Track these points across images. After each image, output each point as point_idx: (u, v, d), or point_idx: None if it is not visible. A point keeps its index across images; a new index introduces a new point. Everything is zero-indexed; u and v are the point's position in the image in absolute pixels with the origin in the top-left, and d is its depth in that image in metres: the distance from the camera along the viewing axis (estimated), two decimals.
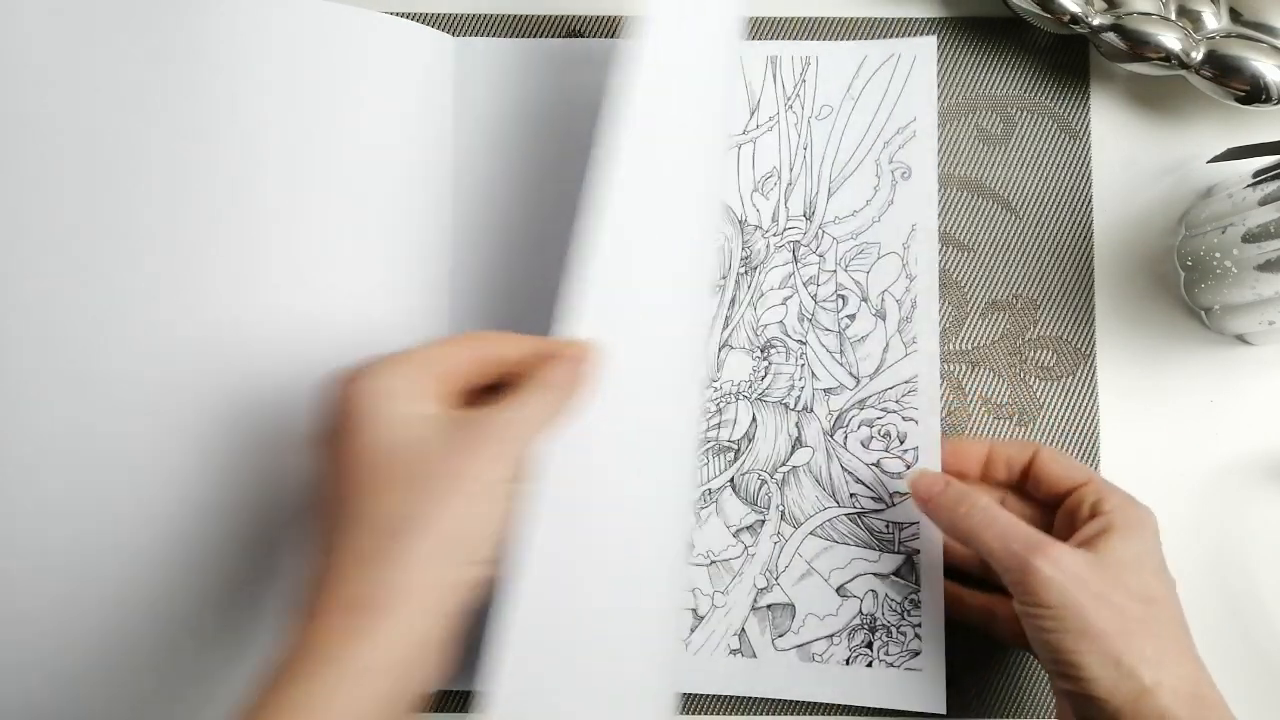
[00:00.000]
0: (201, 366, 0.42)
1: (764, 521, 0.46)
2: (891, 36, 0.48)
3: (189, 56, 0.43)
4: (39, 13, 0.42)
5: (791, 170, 0.47)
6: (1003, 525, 0.40)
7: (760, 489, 0.46)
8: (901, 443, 0.46)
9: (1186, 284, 0.46)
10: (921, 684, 0.45)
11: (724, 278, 0.47)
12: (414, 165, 0.46)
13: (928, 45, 0.47)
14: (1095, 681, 0.36)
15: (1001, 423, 0.47)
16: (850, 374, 0.46)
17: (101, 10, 0.43)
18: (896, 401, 0.46)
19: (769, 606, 0.46)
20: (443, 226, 0.47)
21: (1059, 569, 0.38)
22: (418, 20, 0.48)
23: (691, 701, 0.46)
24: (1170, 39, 0.44)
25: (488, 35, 0.48)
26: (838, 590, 0.46)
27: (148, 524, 0.42)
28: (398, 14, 0.48)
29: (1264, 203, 0.41)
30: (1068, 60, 0.48)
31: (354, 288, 0.44)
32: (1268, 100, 0.44)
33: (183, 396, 0.42)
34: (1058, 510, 0.43)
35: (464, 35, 0.48)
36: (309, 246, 0.44)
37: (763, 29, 0.48)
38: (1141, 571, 0.38)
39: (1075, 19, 0.45)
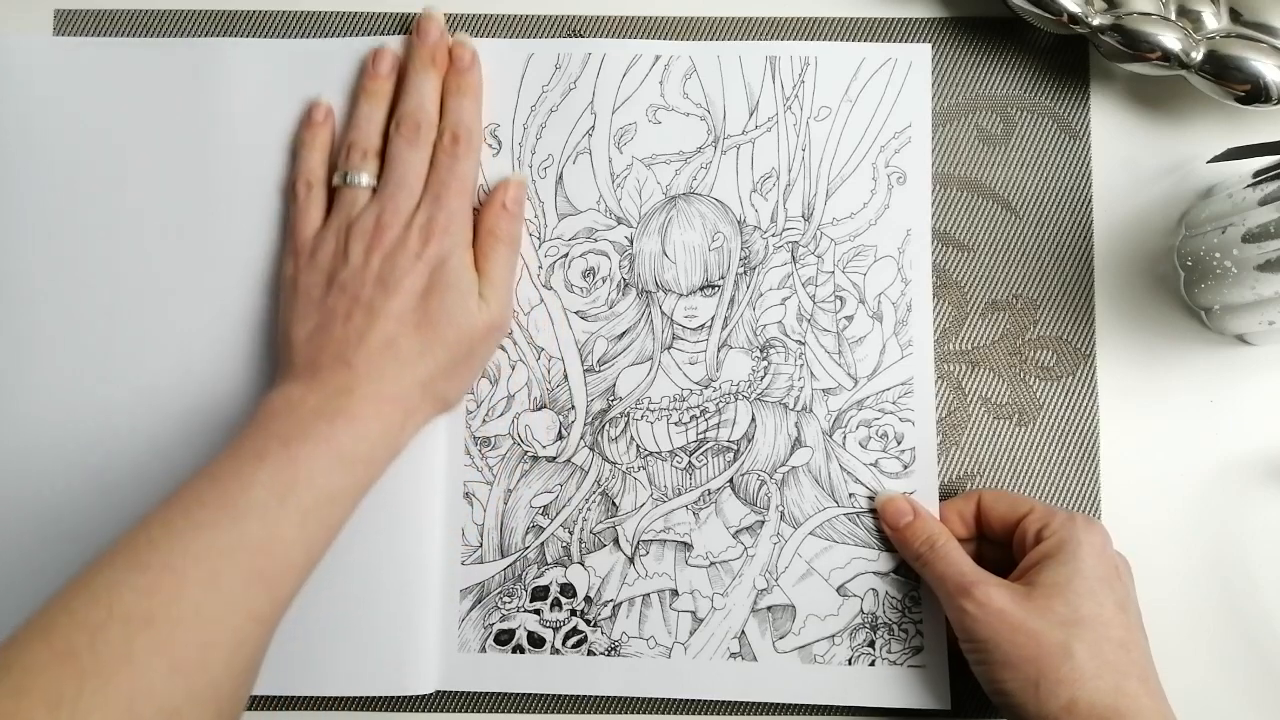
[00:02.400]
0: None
1: (764, 522, 0.46)
2: (891, 37, 0.48)
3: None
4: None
5: (790, 171, 0.47)
6: (944, 565, 0.42)
7: (760, 489, 0.46)
8: (899, 443, 0.46)
9: (1186, 284, 0.46)
10: (925, 681, 0.45)
11: (723, 278, 0.47)
12: None
13: (922, 52, 0.47)
14: (1022, 706, 0.39)
15: (1001, 423, 0.47)
16: (848, 374, 0.46)
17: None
18: (893, 403, 0.46)
19: (769, 608, 0.46)
20: None
21: (981, 606, 0.40)
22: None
23: (691, 706, 0.46)
24: (1170, 39, 0.44)
25: (488, 36, 0.48)
26: (838, 590, 0.46)
27: None
28: (400, 14, 0.48)
29: (1264, 203, 0.41)
30: (1068, 60, 0.48)
31: None
32: (1268, 100, 0.44)
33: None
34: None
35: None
36: None
37: (762, 29, 0.48)
38: (1070, 593, 0.40)
39: (1075, 19, 0.45)
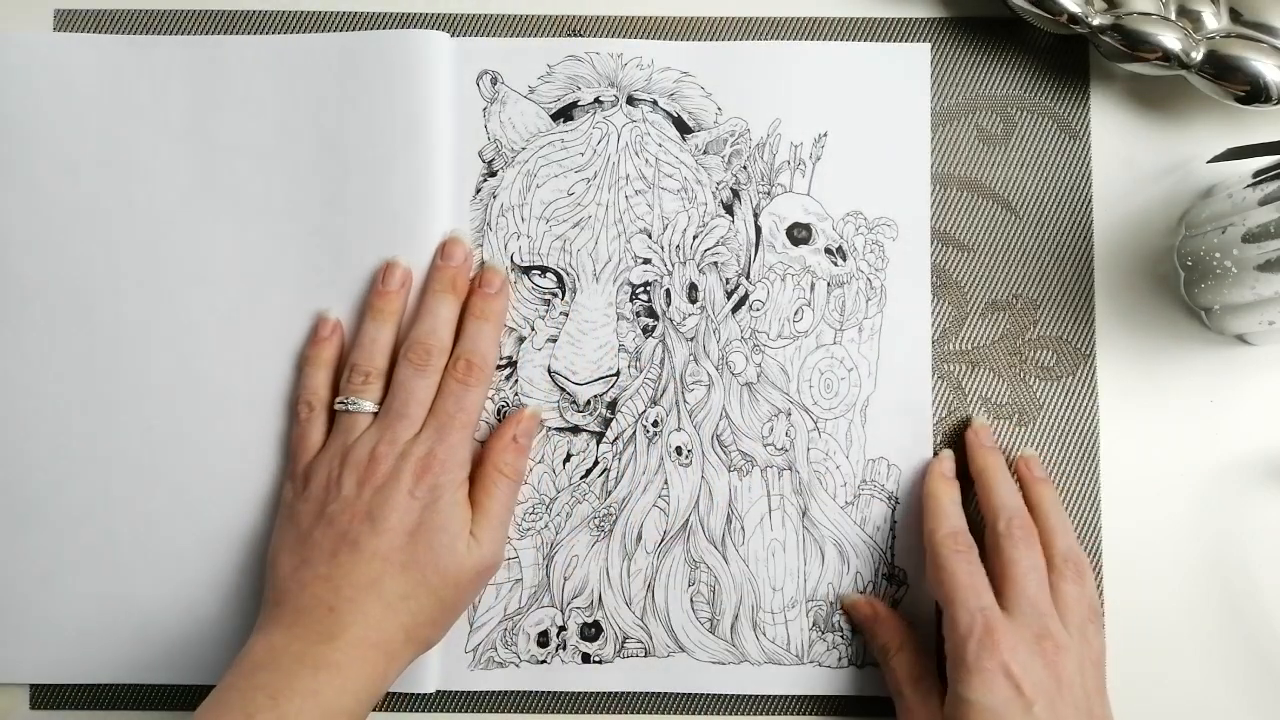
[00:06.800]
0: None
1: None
2: (891, 37, 0.48)
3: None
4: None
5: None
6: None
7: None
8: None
9: (1186, 284, 0.46)
10: None
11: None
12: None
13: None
14: None
15: (1001, 423, 0.47)
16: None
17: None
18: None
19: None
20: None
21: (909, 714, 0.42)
22: (418, 20, 0.48)
23: (679, 701, 0.46)
24: (1170, 39, 0.44)
25: (489, 36, 0.48)
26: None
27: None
28: (399, 14, 0.48)
29: (1264, 203, 0.41)
30: (1068, 60, 0.48)
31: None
32: (1268, 100, 0.44)
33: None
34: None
35: (464, 35, 0.48)
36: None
37: (762, 29, 0.48)
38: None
39: (1075, 19, 0.45)
